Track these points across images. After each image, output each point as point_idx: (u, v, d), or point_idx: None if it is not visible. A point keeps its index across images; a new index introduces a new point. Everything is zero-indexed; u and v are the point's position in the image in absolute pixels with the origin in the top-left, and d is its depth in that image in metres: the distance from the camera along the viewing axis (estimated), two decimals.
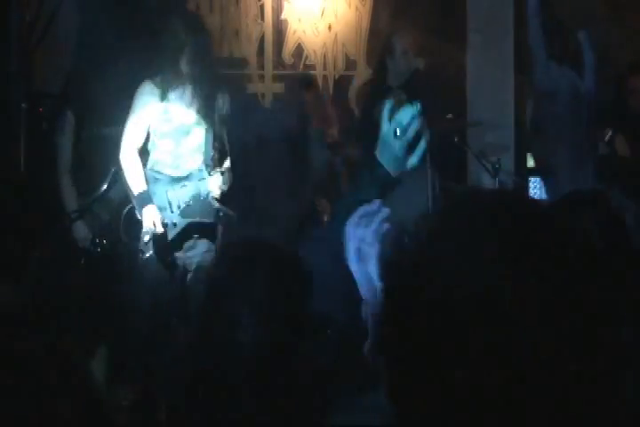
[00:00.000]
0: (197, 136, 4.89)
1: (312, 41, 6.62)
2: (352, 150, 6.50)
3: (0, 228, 2.95)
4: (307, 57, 6.62)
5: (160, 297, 4.81)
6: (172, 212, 4.86)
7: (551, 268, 1.00)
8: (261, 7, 6.62)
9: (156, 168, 4.88)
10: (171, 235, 4.85)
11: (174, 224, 4.86)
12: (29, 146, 5.08)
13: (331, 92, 6.61)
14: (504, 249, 1.01)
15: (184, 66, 4.79)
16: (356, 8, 6.63)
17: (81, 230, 5.21)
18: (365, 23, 6.64)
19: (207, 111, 4.86)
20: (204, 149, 4.89)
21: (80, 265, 5.14)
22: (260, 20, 6.63)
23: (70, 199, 5.26)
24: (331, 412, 2.12)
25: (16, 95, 5.09)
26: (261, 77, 6.64)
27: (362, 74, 6.63)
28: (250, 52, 6.64)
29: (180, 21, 4.86)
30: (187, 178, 4.87)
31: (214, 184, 4.84)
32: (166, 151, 4.88)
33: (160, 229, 4.79)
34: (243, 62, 6.63)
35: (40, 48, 5.53)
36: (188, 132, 4.88)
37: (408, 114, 2.03)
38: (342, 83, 6.63)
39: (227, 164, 4.97)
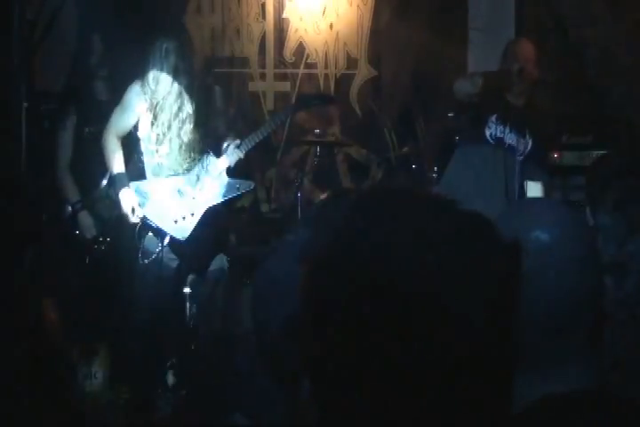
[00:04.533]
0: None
1: (313, 39, 6.64)
2: (352, 149, 6.54)
3: None
4: (308, 55, 6.64)
5: None
6: None
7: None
8: (263, 6, 6.64)
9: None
10: None
11: None
12: (31, 145, 5.11)
13: (332, 90, 6.62)
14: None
15: (168, 68, 4.85)
16: (358, 7, 6.64)
17: (86, 220, 5.24)
18: (367, 22, 6.64)
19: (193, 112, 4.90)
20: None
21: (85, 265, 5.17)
22: (261, 19, 6.65)
23: (72, 195, 5.30)
24: None
25: (17, 94, 5.11)
26: (263, 76, 6.67)
27: (363, 73, 6.65)
28: (251, 50, 6.66)
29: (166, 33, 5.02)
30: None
31: None
32: (163, 155, 4.94)
33: (138, 215, 4.83)
34: (244, 61, 6.66)
35: (41, 47, 5.57)
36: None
37: None
38: (343, 81, 6.65)
39: None
